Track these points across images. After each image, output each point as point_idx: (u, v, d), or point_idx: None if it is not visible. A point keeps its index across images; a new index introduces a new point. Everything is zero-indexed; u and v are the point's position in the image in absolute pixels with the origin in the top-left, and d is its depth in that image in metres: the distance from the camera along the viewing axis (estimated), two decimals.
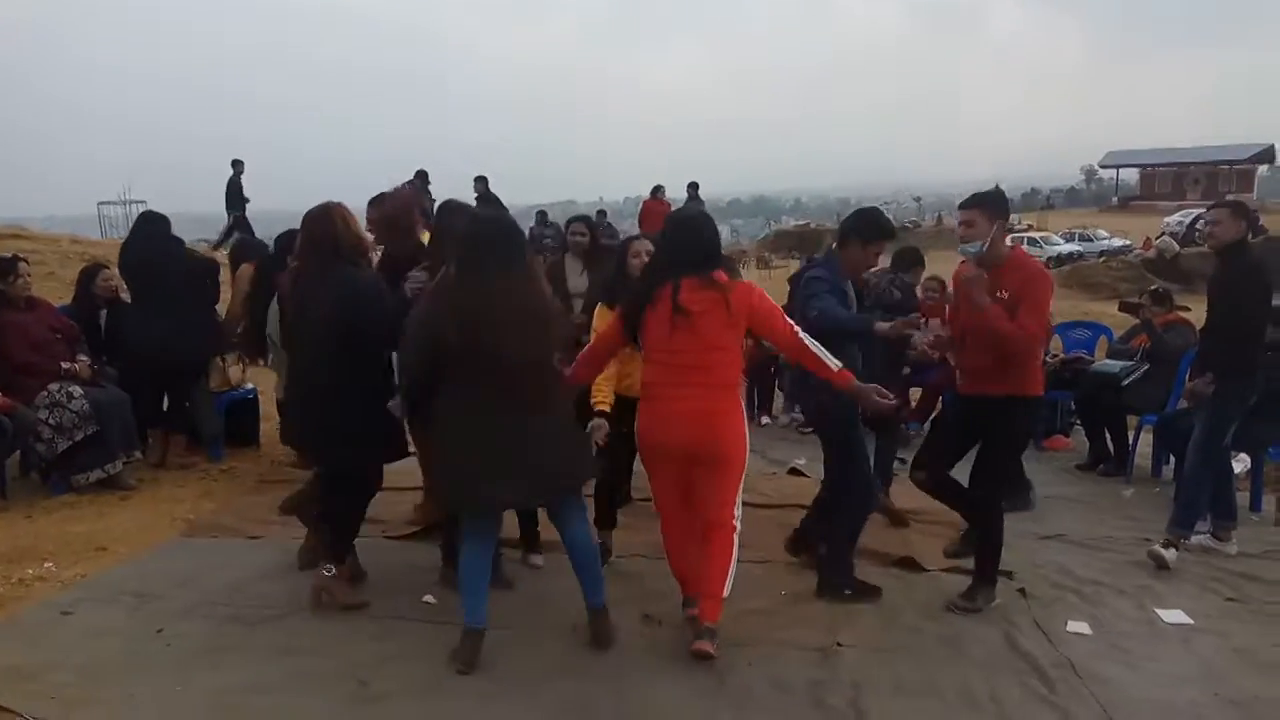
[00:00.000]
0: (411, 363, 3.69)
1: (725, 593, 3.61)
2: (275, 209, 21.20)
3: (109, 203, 20.54)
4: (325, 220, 3.92)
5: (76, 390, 5.51)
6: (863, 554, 4.55)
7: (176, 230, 6.35)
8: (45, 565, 4.40)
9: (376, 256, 4.60)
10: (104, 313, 6.30)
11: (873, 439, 4.66)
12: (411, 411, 3.89)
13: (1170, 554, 4.63)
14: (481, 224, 3.63)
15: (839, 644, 3.75)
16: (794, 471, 6.43)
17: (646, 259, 4.31)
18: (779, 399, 8.29)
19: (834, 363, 3.57)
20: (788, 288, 8.50)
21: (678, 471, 3.70)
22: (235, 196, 15.91)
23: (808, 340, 3.60)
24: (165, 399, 6.34)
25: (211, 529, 5.01)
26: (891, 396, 3.69)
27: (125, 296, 6.33)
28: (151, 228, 6.25)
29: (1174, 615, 4.11)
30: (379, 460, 4.13)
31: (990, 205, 4.02)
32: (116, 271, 6.28)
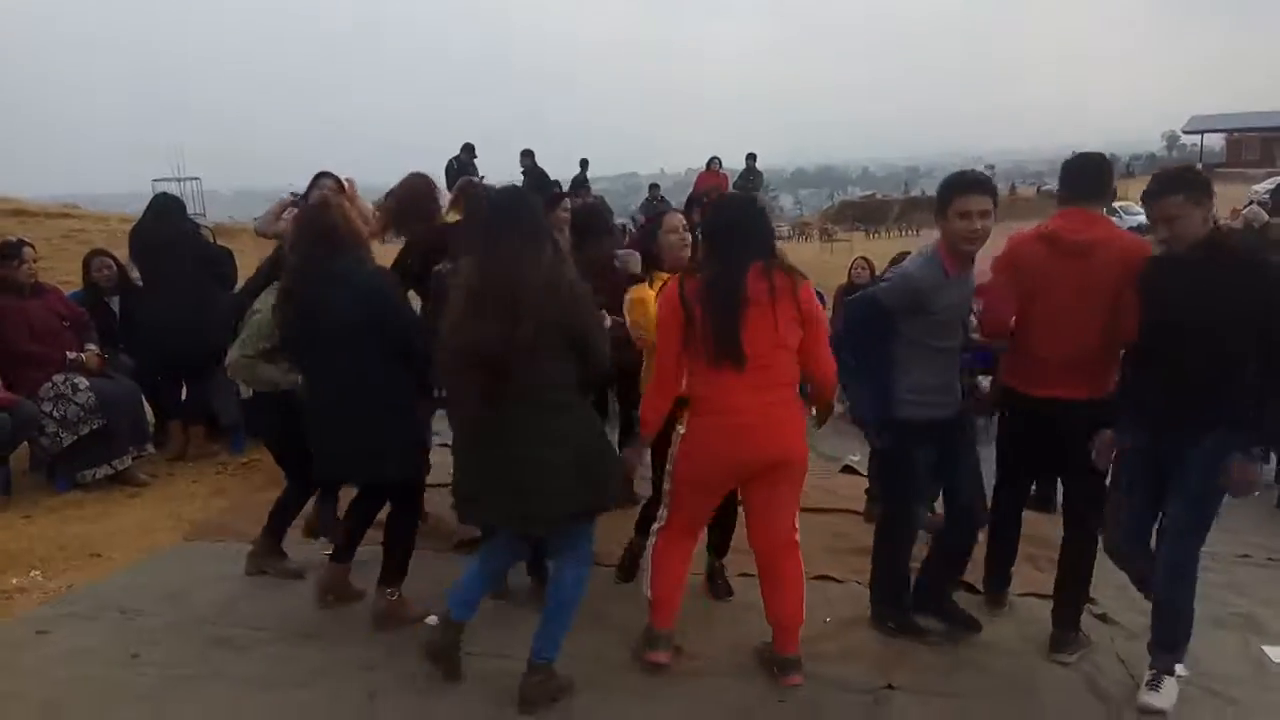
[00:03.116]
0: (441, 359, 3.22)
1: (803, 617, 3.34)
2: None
3: (163, 179, 20.62)
4: (324, 213, 3.59)
5: (82, 382, 5.24)
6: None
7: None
8: (32, 574, 4.13)
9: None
10: (117, 299, 6.05)
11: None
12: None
13: (1165, 693, 3.17)
14: (490, 200, 3.17)
15: (891, 686, 3.27)
16: (847, 469, 5.90)
17: (680, 236, 3.83)
18: None
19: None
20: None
21: (724, 491, 3.37)
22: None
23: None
24: (184, 389, 6.10)
25: (216, 531, 4.70)
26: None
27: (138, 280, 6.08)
28: (162, 210, 6.08)
29: None
30: (413, 471, 3.75)
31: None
32: (111, 259, 6.11)
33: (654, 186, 18.54)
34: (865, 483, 5.56)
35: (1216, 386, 3.01)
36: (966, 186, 3.26)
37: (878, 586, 3.73)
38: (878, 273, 7.21)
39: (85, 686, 3.22)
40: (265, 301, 3.84)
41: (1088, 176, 3.47)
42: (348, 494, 4.12)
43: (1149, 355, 3.17)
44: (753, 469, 3.16)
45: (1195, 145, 62.07)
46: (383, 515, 3.81)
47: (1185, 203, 3.01)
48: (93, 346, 5.47)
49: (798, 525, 3.31)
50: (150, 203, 6.31)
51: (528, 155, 13.76)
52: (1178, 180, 3.07)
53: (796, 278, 3.10)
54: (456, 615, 3.22)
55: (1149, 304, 3.14)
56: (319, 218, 3.58)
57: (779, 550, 3.26)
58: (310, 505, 4.34)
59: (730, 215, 3.29)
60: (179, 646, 3.51)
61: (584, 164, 16.94)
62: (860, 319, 3.45)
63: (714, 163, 15.64)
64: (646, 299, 3.66)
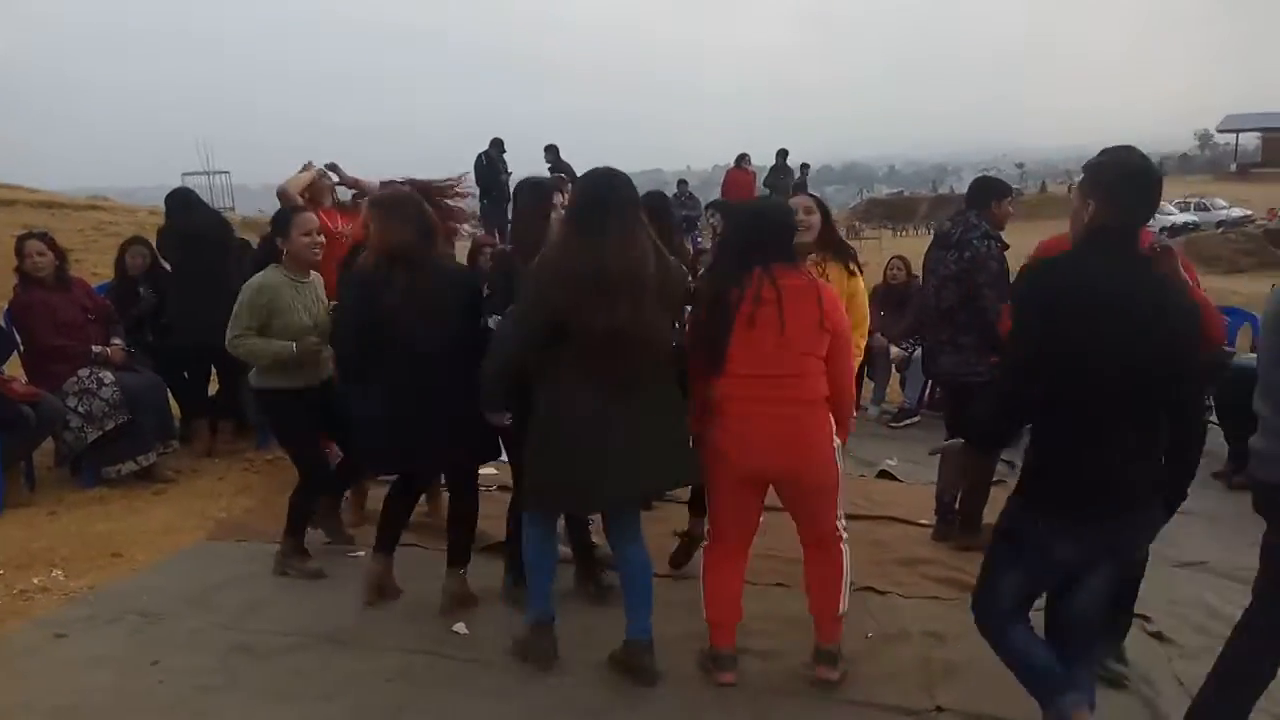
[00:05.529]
0: (514, 346, 3.15)
1: (842, 609, 3.18)
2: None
3: (193, 173, 20.69)
4: (418, 205, 3.54)
5: (108, 376, 5.16)
6: (949, 584, 4.03)
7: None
8: (53, 574, 4.04)
9: None
10: (141, 289, 6.01)
11: None
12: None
13: None
14: (591, 178, 3.09)
15: (940, 708, 3.11)
16: (884, 475, 5.74)
17: (802, 219, 3.73)
18: (868, 387, 7.54)
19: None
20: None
21: (751, 497, 3.14)
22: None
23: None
24: (210, 384, 6.06)
25: (240, 531, 4.60)
26: None
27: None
28: (190, 202, 6.12)
29: None
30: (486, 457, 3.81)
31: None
32: (147, 248, 6.12)
33: (682, 183, 18.38)
34: (904, 489, 5.44)
35: None
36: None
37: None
38: (913, 272, 7.05)
39: (98, 696, 3.10)
40: (254, 283, 3.91)
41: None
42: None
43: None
44: (762, 476, 3.07)
45: (1229, 144, 61.07)
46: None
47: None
48: (118, 340, 5.39)
49: (840, 523, 3.16)
50: (175, 196, 6.18)
51: (552, 151, 13.61)
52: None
53: (818, 284, 3.02)
54: (542, 615, 3.30)
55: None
56: (417, 208, 3.52)
57: (814, 544, 3.18)
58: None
59: (748, 218, 3.23)
60: (199, 653, 3.40)
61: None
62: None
63: (743, 160, 15.41)
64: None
